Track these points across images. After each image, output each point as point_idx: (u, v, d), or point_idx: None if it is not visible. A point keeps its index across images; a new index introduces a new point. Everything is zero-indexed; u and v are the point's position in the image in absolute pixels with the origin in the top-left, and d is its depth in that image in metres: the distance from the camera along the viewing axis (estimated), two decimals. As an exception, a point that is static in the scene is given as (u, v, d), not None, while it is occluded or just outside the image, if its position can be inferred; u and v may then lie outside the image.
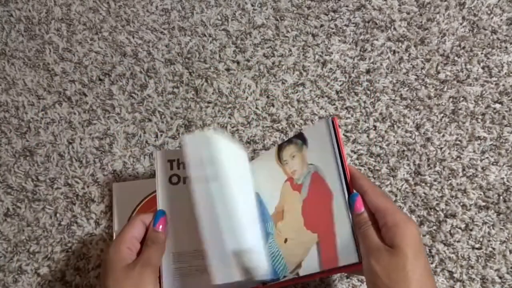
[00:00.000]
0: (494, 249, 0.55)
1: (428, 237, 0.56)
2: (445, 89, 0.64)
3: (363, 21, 0.68)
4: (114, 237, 0.55)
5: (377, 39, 0.67)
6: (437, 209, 0.57)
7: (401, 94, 0.64)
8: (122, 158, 0.60)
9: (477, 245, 0.56)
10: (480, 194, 0.58)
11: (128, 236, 0.43)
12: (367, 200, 0.42)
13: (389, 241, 0.38)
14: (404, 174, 0.59)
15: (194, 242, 0.46)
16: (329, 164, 0.45)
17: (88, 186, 0.59)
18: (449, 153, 0.60)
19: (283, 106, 0.64)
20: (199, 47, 0.67)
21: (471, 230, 0.56)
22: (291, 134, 0.62)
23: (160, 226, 0.44)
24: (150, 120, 0.63)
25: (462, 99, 0.63)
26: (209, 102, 0.64)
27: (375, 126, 0.62)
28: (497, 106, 0.63)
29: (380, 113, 0.63)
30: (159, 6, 0.70)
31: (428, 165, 0.60)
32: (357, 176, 0.44)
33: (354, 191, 0.43)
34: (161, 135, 0.62)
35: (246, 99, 0.64)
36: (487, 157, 0.60)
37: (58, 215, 0.57)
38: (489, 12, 0.68)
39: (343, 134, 0.62)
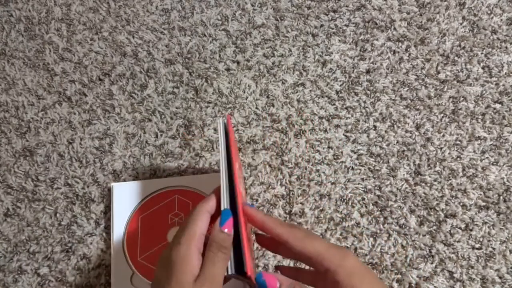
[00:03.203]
0: (494, 249, 0.55)
1: (428, 237, 0.56)
2: (445, 89, 0.64)
3: (363, 21, 0.68)
4: (112, 239, 0.55)
5: (377, 39, 0.67)
6: (437, 209, 0.57)
7: (401, 94, 0.64)
8: (122, 158, 0.60)
9: (477, 245, 0.56)
10: (480, 194, 0.58)
11: (199, 234, 0.37)
12: (294, 250, 0.37)
13: (345, 285, 0.35)
14: (404, 174, 0.59)
15: None
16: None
17: (88, 186, 0.59)
18: (449, 153, 0.60)
19: (283, 106, 0.63)
20: (199, 47, 0.67)
21: (471, 230, 0.56)
22: (291, 134, 0.62)
23: (230, 227, 0.37)
24: (150, 120, 0.63)
25: (462, 99, 0.63)
26: (209, 102, 0.64)
27: (375, 126, 0.62)
28: (497, 106, 0.63)
29: (380, 113, 0.63)
30: (159, 6, 0.70)
31: (428, 165, 0.60)
32: (269, 225, 0.38)
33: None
34: (161, 135, 0.62)
35: (246, 99, 0.64)
36: (487, 157, 0.60)
37: (58, 215, 0.57)
38: (489, 12, 0.68)
39: (343, 134, 0.62)
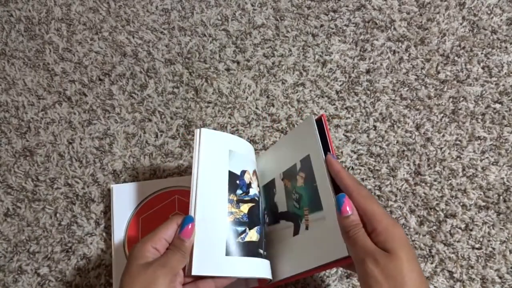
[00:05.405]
0: (494, 249, 0.55)
1: (428, 237, 0.56)
2: (445, 89, 0.64)
3: (363, 21, 0.68)
4: (113, 241, 0.55)
5: (377, 39, 0.67)
6: (437, 209, 0.57)
7: (401, 94, 0.64)
8: (122, 158, 0.60)
9: (477, 245, 0.56)
10: (480, 194, 0.58)
11: (158, 236, 0.42)
12: (354, 203, 0.41)
13: (380, 246, 0.38)
14: (404, 174, 0.59)
15: None
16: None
17: (88, 186, 0.59)
18: (449, 153, 0.60)
19: (283, 106, 0.64)
20: (199, 47, 0.67)
21: (471, 230, 0.56)
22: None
23: (186, 234, 0.43)
24: (150, 120, 0.63)
25: (462, 99, 0.63)
26: (209, 102, 0.64)
27: (375, 126, 0.62)
28: (497, 106, 0.63)
29: (380, 113, 0.63)
30: (159, 6, 0.70)
31: (428, 165, 0.60)
32: (342, 175, 0.42)
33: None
34: (161, 135, 0.62)
35: (246, 99, 0.64)
36: (487, 157, 0.60)
37: (58, 215, 0.57)
38: (489, 12, 0.68)
39: (343, 134, 0.62)
